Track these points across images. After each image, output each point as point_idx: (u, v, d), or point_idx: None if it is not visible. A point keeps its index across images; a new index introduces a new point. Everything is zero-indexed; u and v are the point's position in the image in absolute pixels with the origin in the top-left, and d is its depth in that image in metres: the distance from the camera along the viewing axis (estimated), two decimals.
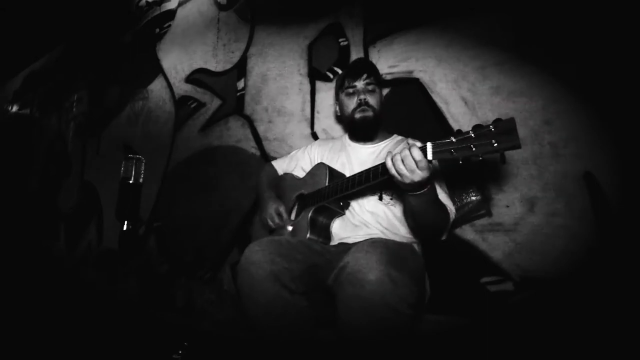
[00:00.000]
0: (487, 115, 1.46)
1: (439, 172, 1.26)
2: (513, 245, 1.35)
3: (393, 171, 0.94)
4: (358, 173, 1.14)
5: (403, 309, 0.85)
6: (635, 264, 1.14)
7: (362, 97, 1.34)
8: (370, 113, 1.34)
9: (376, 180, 1.07)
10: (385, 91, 1.73)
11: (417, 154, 0.90)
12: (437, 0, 1.65)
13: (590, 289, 1.18)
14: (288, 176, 1.54)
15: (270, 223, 1.36)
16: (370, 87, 1.35)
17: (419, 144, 0.93)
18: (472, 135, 0.84)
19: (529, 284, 1.30)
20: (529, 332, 1.22)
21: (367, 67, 1.38)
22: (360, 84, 1.35)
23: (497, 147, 0.80)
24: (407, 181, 0.93)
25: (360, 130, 1.38)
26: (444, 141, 0.88)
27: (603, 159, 1.24)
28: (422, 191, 0.98)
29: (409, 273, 0.90)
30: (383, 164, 1.00)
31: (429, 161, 0.90)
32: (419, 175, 0.91)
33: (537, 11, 1.40)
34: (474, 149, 0.83)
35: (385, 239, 1.08)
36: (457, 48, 1.56)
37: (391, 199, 1.26)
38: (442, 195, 1.17)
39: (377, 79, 1.38)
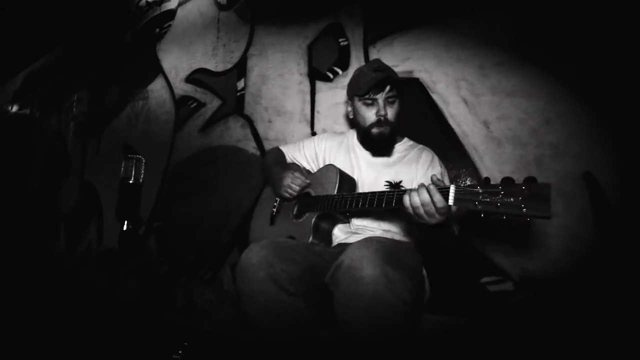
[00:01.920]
0: (487, 115, 1.46)
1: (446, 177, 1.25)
2: (513, 245, 1.35)
3: (410, 211, 0.91)
4: (371, 194, 1.08)
5: (398, 305, 0.85)
6: (635, 264, 1.14)
7: (382, 113, 1.23)
8: (388, 129, 1.25)
9: (389, 207, 1.01)
10: None
11: (440, 202, 0.86)
12: (437, 0, 1.65)
13: (590, 289, 1.18)
14: (294, 167, 1.49)
15: (295, 187, 1.30)
16: (390, 99, 1.25)
17: (432, 160, 0.88)
18: (501, 190, 0.77)
19: (529, 284, 1.30)
20: (529, 332, 1.22)
21: (390, 79, 1.24)
22: (381, 97, 1.24)
23: (525, 213, 0.74)
24: (422, 222, 0.91)
25: (375, 145, 1.30)
26: (468, 189, 0.82)
27: (603, 159, 1.24)
28: (436, 228, 0.94)
29: (404, 270, 0.89)
30: (398, 192, 0.97)
31: (449, 206, 0.86)
32: (436, 219, 0.88)
33: (537, 11, 1.40)
34: (499, 206, 0.76)
35: (382, 237, 1.08)
36: (457, 48, 1.56)
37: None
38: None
39: (398, 89, 1.26)
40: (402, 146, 1.35)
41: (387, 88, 1.24)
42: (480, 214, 0.80)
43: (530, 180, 0.76)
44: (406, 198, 0.91)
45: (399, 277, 0.86)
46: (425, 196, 0.87)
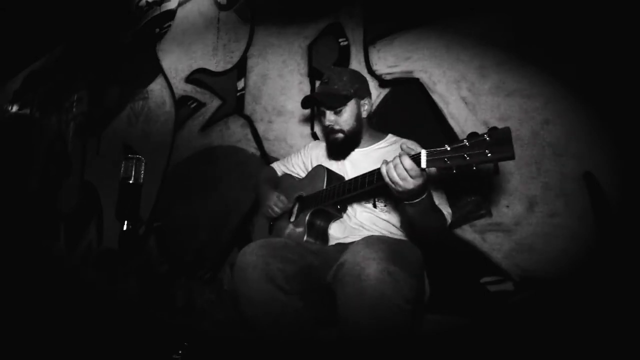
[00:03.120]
0: (487, 115, 1.46)
1: (437, 175, 1.25)
2: (513, 245, 1.35)
3: (387, 179, 0.94)
4: (354, 178, 1.14)
5: (402, 303, 0.85)
6: (635, 264, 1.14)
7: (325, 124, 1.32)
8: (339, 135, 1.31)
9: (371, 187, 1.07)
10: (385, 91, 1.73)
11: (408, 163, 0.89)
12: (437, 0, 1.65)
13: (590, 289, 1.18)
14: (287, 177, 1.55)
15: (276, 209, 1.39)
16: (337, 110, 1.30)
17: (415, 149, 0.92)
18: (467, 144, 0.83)
19: (529, 284, 1.30)
20: (529, 332, 1.22)
21: (323, 95, 1.29)
22: (325, 108, 1.31)
23: (491, 158, 0.79)
24: (400, 189, 0.92)
25: (333, 150, 1.37)
26: (437, 149, 0.87)
27: (603, 159, 1.24)
28: (417, 200, 0.97)
29: (407, 268, 0.90)
30: (378, 171, 1.00)
31: (423, 169, 0.90)
32: (411, 183, 0.90)
33: (537, 11, 1.40)
34: (467, 158, 0.82)
35: (384, 236, 1.08)
36: (457, 48, 1.56)
37: (385, 206, 1.25)
38: (439, 200, 1.16)
39: (344, 98, 1.29)
40: (386, 142, 1.37)
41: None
42: (452, 170, 0.85)
43: (491, 129, 0.81)
44: (383, 167, 0.95)
45: (402, 276, 0.86)
46: (397, 160, 0.91)
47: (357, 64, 1.85)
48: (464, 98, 1.52)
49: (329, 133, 1.33)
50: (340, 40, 1.96)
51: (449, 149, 0.85)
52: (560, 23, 1.35)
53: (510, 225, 1.36)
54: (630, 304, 1.12)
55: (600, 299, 1.16)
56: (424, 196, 0.97)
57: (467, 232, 1.44)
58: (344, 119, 1.31)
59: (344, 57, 1.92)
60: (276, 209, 1.39)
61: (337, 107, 1.29)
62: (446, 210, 1.17)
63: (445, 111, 1.56)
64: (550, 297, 1.25)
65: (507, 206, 1.38)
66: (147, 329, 1.85)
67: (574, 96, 1.30)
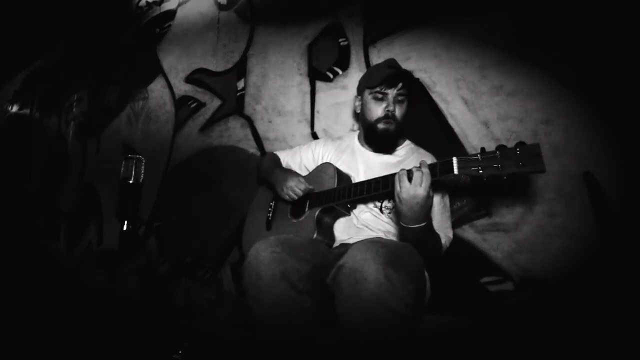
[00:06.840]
0: (487, 115, 1.46)
1: (445, 189, 1.26)
2: (513, 245, 1.35)
3: (397, 187, 0.99)
4: (374, 180, 1.14)
5: (400, 308, 0.84)
6: (635, 264, 1.14)
7: (390, 108, 1.25)
8: (393, 126, 1.27)
9: (386, 190, 1.08)
10: None
11: (427, 173, 0.96)
12: (437, 0, 1.65)
13: (590, 289, 1.18)
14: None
15: (298, 191, 1.30)
16: (400, 98, 1.27)
17: (428, 161, 0.96)
18: (498, 155, 0.87)
19: (529, 284, 1.30)
20: (529, 332, 1.22)
21: (404, 76, 1.26)
22: (392, 93, 1.25)
23: (523, 170, 0.84)
24: (410, 202, 0.97)
25: (378, 141, 1.31)
26: (470, 157, 0.91)
27: (603, 159, 1.24)
28: (416, 226, 1.01)
29: (406, 273, 0.89)
30: (392, 176, 1.04)
31: (455, 175, 0.93)
32: (420, 194, 0.95)
33: (537, 11, 1.40)
34: (500, 168, 0.86)
35: (384, 239, 1.08)
36: (457, 48, 1.56)
37: (390, 212, 1.25)
38: (442, 221, 1.20)
39: (409, 90, 1.28)
40: (404, 150, 1.35)
41: (400, 85, 1.26)
42: (483, 179, 0.89)
43: (520, 144, 0.87)
44: (402, 171, 1.00)
45: (400, 280, 0.85)
46: (414, 168, 0.97)
47: (357, 64, 1.86)
48: (464, 98, 1.52)
49: (386, 120, 1.26)
50: (340, 40, 1.95)
51: (480, 158, 0.89)
52: (560, 23, 1.36)
53: (510, 225, 1.36)
54: (630, 303, 1.12)
55: (600, 299, 1.16)
56: (423, 224, 1.01)
57: (467, 232, 1.44)
58: (402, 111, 1.28)
59: (344, 57, 1.92)
60: (298, 191, 1.29)
61: (409, 91, 1.28)
62: (446, 235, 1.18)
63: (445, 111, 1.56)
64: (550, 297, 1.25)
65: (507, 206, 1.38)
66: (147, 329, 1.85)
67: (574, 96, 1.31)
